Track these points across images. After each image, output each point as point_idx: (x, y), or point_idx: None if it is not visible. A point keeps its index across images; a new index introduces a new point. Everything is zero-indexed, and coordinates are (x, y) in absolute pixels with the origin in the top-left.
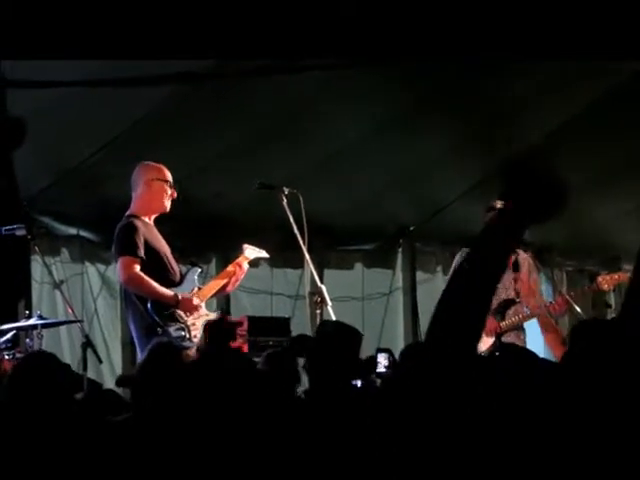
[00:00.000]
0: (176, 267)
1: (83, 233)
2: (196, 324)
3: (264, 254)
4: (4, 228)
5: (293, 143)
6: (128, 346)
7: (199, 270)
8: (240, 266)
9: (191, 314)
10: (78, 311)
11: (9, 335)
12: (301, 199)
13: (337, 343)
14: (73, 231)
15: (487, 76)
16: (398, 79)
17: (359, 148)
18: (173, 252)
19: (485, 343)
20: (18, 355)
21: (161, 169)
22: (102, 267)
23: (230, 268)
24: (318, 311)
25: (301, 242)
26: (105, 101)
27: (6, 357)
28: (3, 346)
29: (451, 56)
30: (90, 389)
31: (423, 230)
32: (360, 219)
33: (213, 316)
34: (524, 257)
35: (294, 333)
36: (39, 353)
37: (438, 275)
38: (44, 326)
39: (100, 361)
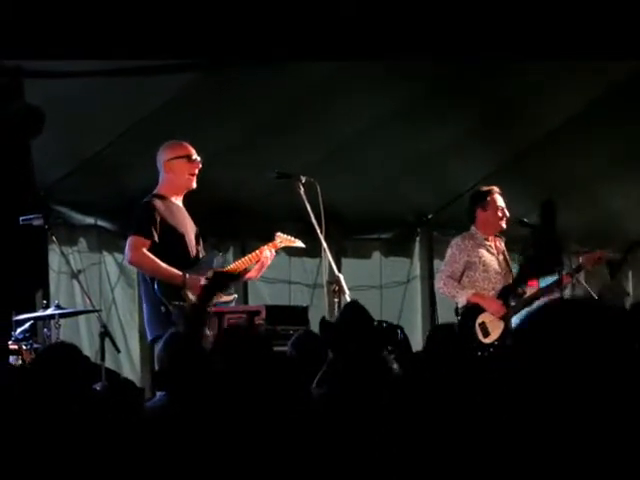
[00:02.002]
0: (194, 249)
1: (101, 222)
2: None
3: (299, 243)
4: (21, 218)
5: (309, 131)
6: (145, 335)
7: (219, 254)
8: (262, 252)
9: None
10: (96, 300)
11: (27, 325)
12: (318, 188)
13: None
14: (91, 220)
15: (501, 63)
16: (414, 65)
17: (376, 136)
18: (200, 235)
19: (497, 328)
20: (36, 345)
21: (180, 146)
22: (120, 256)
23: (254, 253)
24: (336, 300)
25: (318, 231)
26: (122, 90)
27: (24, 347)
28: (21, 336)
29: (451, 56)
30: (108, 379)
31: (441, 218)
32: (377, 207)
33: (229, 297)
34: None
35: (312, 322)
36: (60, 344)
37: None
38: (61, 316)
39: (118, 350)
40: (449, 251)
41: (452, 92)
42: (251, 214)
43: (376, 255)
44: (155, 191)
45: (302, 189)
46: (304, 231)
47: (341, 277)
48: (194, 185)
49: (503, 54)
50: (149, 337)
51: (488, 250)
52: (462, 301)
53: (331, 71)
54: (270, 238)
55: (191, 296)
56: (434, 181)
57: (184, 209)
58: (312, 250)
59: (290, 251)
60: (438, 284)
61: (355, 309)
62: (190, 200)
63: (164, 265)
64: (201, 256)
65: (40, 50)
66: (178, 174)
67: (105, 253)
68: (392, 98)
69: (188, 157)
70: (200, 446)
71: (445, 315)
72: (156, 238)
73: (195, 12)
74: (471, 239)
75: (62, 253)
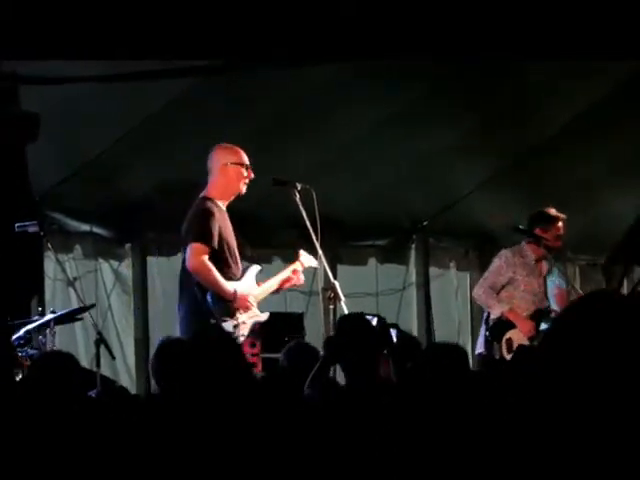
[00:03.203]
0: (239, 261)
1: (96, 229)
2: (246, 323)
3: (315, 263)
4: (16, 225)
5: (304, 138)
6: (141, 342)
7: (259, 268)
8: (296, 273)
9: (245, 312)
10: (92, 308)
11: (22, 332)
12: (314, 195)
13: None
14: (86, 227)
15: (501, 68)
16: (410, 71)
17: (371, 142)
18: (238, 245)
19: None
20: (31, 352)
21: (237, 152)
22: (115, 263)
23: (287, 274)
24: (332, 307)
25: (314, 238)
26: (118, 95)
27: (19, 354)
28: (16, 343)
29: (452, 56)
30: (103, 386)
31: (436, 225)
32: (373, 214)
33: (264, 317)
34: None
35: (308, 329)
36: (55, 353)
37: (451, 271)
38: (56, 320)
39: (113, 357)
40: (496, 261)
41: (449, 99)
42: (246, 220)
43: (372, 262)
44: (206, 193)
45: (298, 196)
46: (299, 238)
47: (337, 284)
48: (243, 192)
49: (503, 54)
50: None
51: (533, 272)
52: (496, 313)
53: (328, 76)
54: (266, 244)
55: (238, 313)
56: (430, 187)
57: (228, 215)
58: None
59: (285, 258)
60: (478, 291)
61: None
62: (186, 206)
63: (221, 278)
64: (243, 268)
65: (40, 50)
66: (234, 180)
67: (101, 260)
68: (388, 105)
69: (244, 165)
70: (191, 446)
71: (440, 323)
72: (215, 245)
73: (194, 12)
74: (521, 256)
75: (57, 260)
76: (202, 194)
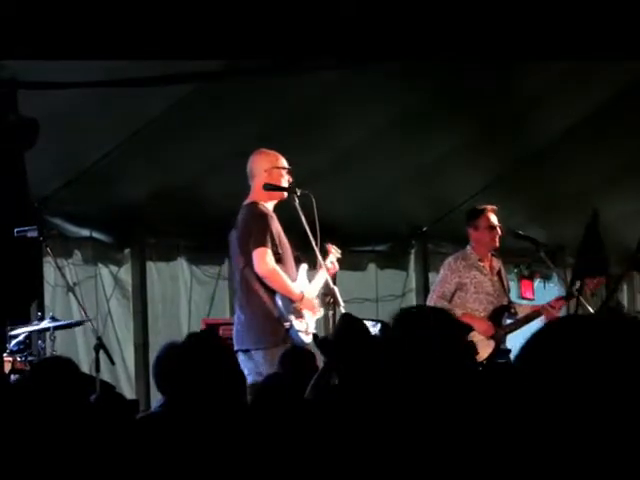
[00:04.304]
0: (293, 263)
1: (96, 234)
2: (312, 322)
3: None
4: (16, 230)
5: (304, 144)
6: (140, 347)
7: (306, 267)
8: (333, 263)
9: (310, 311)
10: (92, 313)
11: (21, 337)
12: (314, 201)
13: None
14: (86, 232)
15: (501, 74)
16: (410, 77)
17: (370, 149)
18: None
19: (486, 348)
20: (30, 357)
21: (278, 157)
22: (115, 268)
23: (329, 265)
24: (331, 312)
25: (314, 243)
26: (118, 101)
27: (18, 359)
28: (16, 348)
29: (452, 56)
30: (102, 391)
31: (435, 231)
32: (372, 220)
33: (321, 313)
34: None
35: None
36: (55, 359)
37: None
38: (55, 328)
39: (112, 362)
40: (441, 271)
41: (448, 106)
42: None
43: (371, 267)
44: (254, 198)
45: (297, 202)
46: (298, 243)
47: (336, 289)
48: (285, 196)
49: (504, 54)
50: (254, 346)
51: (481, 271)
52: None
53: (327, 83)
54: None
55: (304, 313)
56: (429, 194)
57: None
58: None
59: None
60: (429, 304)
61: (349, 323)
62: (186, 212)
63: (289, 280)
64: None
65: (40, 50)
66: (278, 183)
67: (100, 265)
68: (387, 111)
69: (286, 169)
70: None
71: None
72: (278, 249)
73: (194, 12)
74: (464, 260)
75: (57, 266)
76: (249, 200)
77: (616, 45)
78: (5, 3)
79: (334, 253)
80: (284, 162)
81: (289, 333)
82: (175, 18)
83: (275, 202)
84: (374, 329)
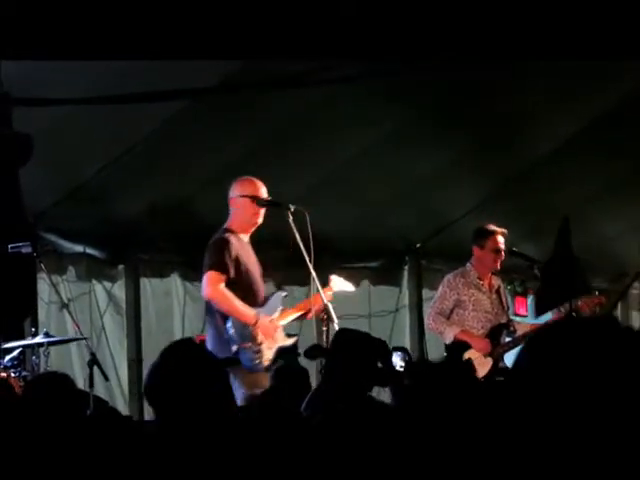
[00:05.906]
0: (262, 288)
1: (89, 250)
2: (271, 348)
3: (350, 287)
4: (10, 246)
5: (297, 160)
6: (134, 363)
7: (284, 294)
8: (316, 300)
9: (268, 338)
10: (86, 329)
11: (15, 353)
12: (307, 217)
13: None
14: (79, 249)
15: (495, 90)
16: (404, 92)
17: (364, 164)
18: (262, 274)
19: (484, 366)
20: (24, 373)
21: (250, 184)
22: (108, 284)
23: (312, 298)
24: (324, 328)
25: (307, 260)
26: (112, 117)
27: (12, 375)
28: (9, 364)
29: (451, 57)
30: (95, 407)
31: (429, 247)
32: (366, 236)
33: (290, 342)
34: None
35: (301, 350)
36: (51, 374)
37: None
38: (50, 344)
39: (106, 379)
40: (440, 288)
41: (441, 121)
42: None
43: (365, 284)
44: (226, 225)
45: (291, 217)
46: (291, 259)
47: (330, 306)
48: (260, 221)
49: (504, 54)
50: None
51: (480, 289)
52: (449, 337)
53: (320, 98)
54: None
55: (260, 338)
56: (423, 210)
57: (250, 246)
58: (300, 278)
59: (278, 280)
60: (427, 320)
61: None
62: (180, 228)
63: (240, 303)
64: (268, 295)
65: (40, 50)
66: (244, 211)
67: (94, 282)
68: (381, 127)
69: (254, 197)
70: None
71: (434, 344)
72: (232, 274)
73: (194, 12)
74: (463, 277)
75: (51, 282)
76: (223, 226)
77: (616, 45)
78: (5, 3)
79: (331, 287)
80: (259, 191)
81: (237, 356)
82: (175, 18)
83: (249, 231)
84: (397, 358)
